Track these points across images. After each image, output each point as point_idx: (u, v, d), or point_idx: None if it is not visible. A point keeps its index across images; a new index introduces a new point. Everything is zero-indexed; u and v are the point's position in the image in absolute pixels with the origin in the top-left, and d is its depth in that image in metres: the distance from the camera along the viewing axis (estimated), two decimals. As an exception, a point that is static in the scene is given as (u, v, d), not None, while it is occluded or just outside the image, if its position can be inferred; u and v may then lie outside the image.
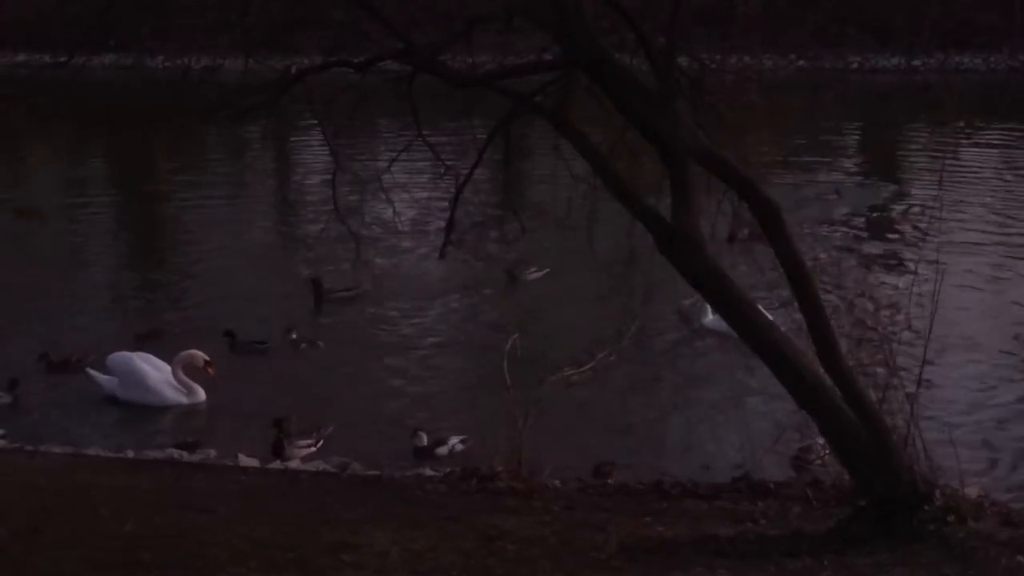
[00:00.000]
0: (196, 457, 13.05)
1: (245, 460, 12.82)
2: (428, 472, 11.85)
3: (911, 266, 21.34)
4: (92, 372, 16.23)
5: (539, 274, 20.85)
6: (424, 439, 13.83)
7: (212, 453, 13.25)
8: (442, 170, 10.67)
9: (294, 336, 18.07)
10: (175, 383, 15.82)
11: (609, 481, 11.64)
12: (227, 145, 37.65)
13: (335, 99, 10.64)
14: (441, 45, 9.39)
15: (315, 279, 19.99)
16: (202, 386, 15.94)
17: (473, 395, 15.63)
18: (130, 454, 13.15)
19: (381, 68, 9.83)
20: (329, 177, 11.27)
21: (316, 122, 11.17)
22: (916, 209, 27.23)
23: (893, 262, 22.92)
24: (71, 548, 8.60)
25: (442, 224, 10.86)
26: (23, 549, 8.58)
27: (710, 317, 18.09)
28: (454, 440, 13.83)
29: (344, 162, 11.19)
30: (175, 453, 13.12)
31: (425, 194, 24.22)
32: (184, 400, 15.81)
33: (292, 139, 38.25)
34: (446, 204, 10.93)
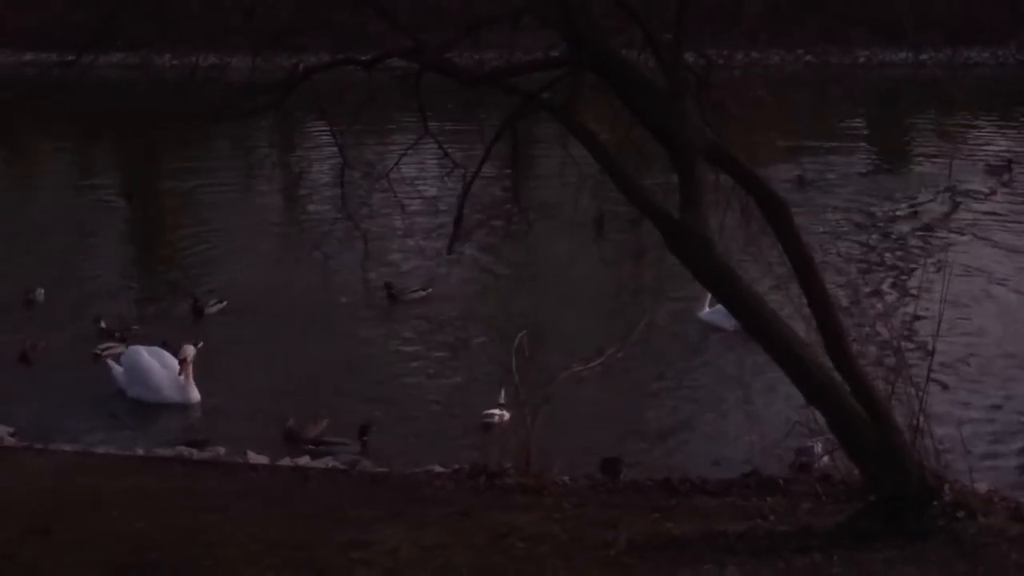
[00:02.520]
0: (205, 454, 13.06)
1: (254, 457, 12.82)
2: (437, 469, 11.86)
3: (920, 261, 21.40)
4: (111, 363, 16.33)
5: (421, 294, 20.55)
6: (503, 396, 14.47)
7: (221, 450, 13.25)
8: (450, 167, 10.67)
9: (103, 325, 18.53)
10: (180, 380, 15.80)
11: (620, 476, 11.63)
12: (236, 143, 37.62)
13: (343, 97, 10.64)
14: (448, 43, 9.38)
15: (193, 294, 20.02)
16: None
17: (483, 391, 15.64)
18: (139, 452, 13.15)
19: (388, 66, 9.82)
20: (338, 174, 11.26)
21: (324, 120, 11.17)
22: (925, 203, 27.19)
23: (902, 257, 22.90)
24: (81, 548, 8.62)
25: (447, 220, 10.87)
26: (34, 550, 8.60)
27: (707, 311, 18.16)
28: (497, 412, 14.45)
29: (352, 160, 11.17)
30: (184, 451, 13.12)
31: (433, 191, 24.27)
32: (177, 398, 15.78)
33: (300, 138, 38.25)
34: (453, 200, 10.93)
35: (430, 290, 20.50)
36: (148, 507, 9.79)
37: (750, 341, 9.01)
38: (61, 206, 31.59)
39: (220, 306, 19.80)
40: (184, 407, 15.76)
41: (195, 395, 15.82)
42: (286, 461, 12.74)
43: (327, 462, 12.66)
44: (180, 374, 15.82)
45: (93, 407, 15.76)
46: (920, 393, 9.90)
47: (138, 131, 33.05)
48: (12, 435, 13.82)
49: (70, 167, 37.96)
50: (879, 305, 14.46)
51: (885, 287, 20.31)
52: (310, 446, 13.78)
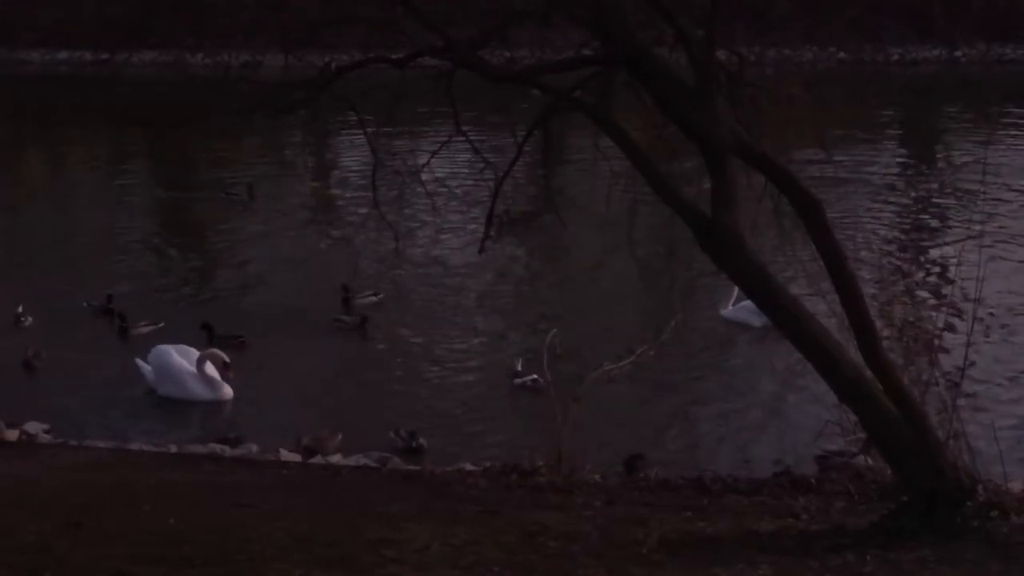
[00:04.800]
0: (237, 452, 13.11)
1: (286, 455, 12.88)
2: (468, 467, 11.88)
3: (953, 258, 21.26)
4: (139, 363, 16.38)
5: (373, 299, 19.96)
6: (519, 364, 15.64)
7: (254, 448, 13.30)
8: (481, 165, 10.68)
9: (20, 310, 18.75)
10: (202, 378, 15.85)
11: (651, 475, 11.61)
12: (268, 142, 37.70)
13: (374, 95, 10.66)
14: (480, 41, 9.38)
15: (120, 313, 19.05)
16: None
17: (512, 391, 15.66)
18: (172, 449, 13.22)
19: (420, 64, 9.83)
20: (369, 172, 11.29)
21: (355, 118, 11.19)
22: (959, 200, 27.04)
23: (935, 254, 22.78)
24: (114, 542, 8.66)
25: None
26: (66, 543, 8.65)
27: (730, 308, 18.17)
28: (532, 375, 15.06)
29: (384, 158, 11.20)
30: (217, 448, 13.18)
31: (464, 188, 24.32)
32: (209, 396, 15.83)
33: (334, 136, 38.33)
34: (484, 197, 10.96)
35: (382, 295, 20.05)
36: (180, 502, 9.83)
37: (780, 338, 8.99)
38: (92, 203, 31.93)
39: (151, 328, 18.77)
40: (215, 404, 15.81)
41: (227, 392, 15.87)
42: (317, 459, 12.79)
43: (358, 459, 12.69)
44: (208, 371, 15.85)
45: (126, 405, 15.84)
46: (954, 392, 9.86)
47: (169, 129, 33.07)
48: (47, 432, 13.91)
49: (102, 164, 38.13)
50: (913, 303, 14.37)
51: (919, 284, 20.20)
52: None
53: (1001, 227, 23.93)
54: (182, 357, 16.18)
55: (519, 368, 15.74)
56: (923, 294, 19.11)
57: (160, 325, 18.90)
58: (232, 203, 28.76)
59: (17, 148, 40.95)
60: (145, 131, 36.68)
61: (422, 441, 13.72)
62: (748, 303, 15.21)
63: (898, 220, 26.11)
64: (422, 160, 11.70)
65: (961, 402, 9.92)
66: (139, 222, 28.71)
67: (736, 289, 17.59)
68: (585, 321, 18.39)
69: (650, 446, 13.27)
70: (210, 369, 15.87)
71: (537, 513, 9.29)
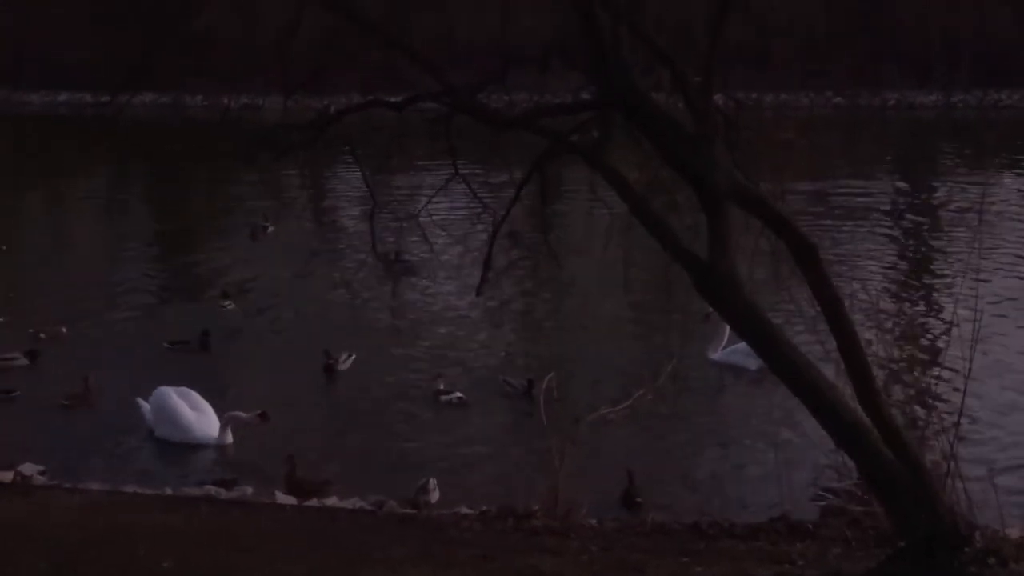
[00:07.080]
0: (233, 494, 13.07)
1: (282, 497, 12.84)
2: (464, 510, 11.84)
3: (949, 303, 21.27)
4: (140, 401, 16.32)
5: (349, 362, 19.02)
6: (441, 384, 17.10)
7: (249, 490, 13.27)
8: (479, 209, 10.69)
9: None
10: (211, 423, 15.81)
11: (647, 519, 11.58)
12: (265, 184, 37.79)
13: (373, 138, 10.69)
14: (478, 86, 9.41)
15: None
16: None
17: (509, 433, 15.64)
18: (168, 491, 13.18)
19: (419, 107, 9.86)
20: (367, 215, 11.29)
21: (354, 160, 11.22)
22: (955, 241, 27.10)
23: (931, 298, 22.80)
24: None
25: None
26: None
27: (719, 353, 18.20)
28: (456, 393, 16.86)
29: (383, 199, 11.21)
30: (212, 490, 13.14)
31: (462, 231, 24.36)
32: (211, 441, 15.79)
33: (329, 179, 38.41)
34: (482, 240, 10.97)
35: (353, 356, 19.14)
36: (175, 545, 9.80)
37: (775, 382, 8.97)
38: (88, 240, 32.07)
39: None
40: (212, 447, 15.77)
41: (228, 436, 15.83)
42: (313, 502, 12.75)
43: (354, 502, 12.66)
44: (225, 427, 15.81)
45: (122, 447, 15.80)
46: (951, 437, 9.85)
47: (168, 169, 33.28)
48: (42, 474, 13.87)
49: (100, 202, 38.17)
50: (908, 347, 14.36)
51: (916, 327, 20.20)
52: None
53: (998, 271, 23.97)
54: (182, 399, 16.16)
55: (441, 387, 17.03)
56: (920, 337, 19.12)
57: (16, 393, 17.67)
58: (260, 231, 29.09)
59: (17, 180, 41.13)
60: (149, 167, 36.88)
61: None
62: (741, 346, 15.21)
63: (894, 261, 26.16)
64: (421, 200, 11.74)
65: (958, 447, 9.91)
66: (140, 255, 28.82)
67: (726, 332, 17.63)
68: (582, 364, 18.38)
69: (647, 490, 13.23)
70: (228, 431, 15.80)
71: (532, 557, 9.25)
